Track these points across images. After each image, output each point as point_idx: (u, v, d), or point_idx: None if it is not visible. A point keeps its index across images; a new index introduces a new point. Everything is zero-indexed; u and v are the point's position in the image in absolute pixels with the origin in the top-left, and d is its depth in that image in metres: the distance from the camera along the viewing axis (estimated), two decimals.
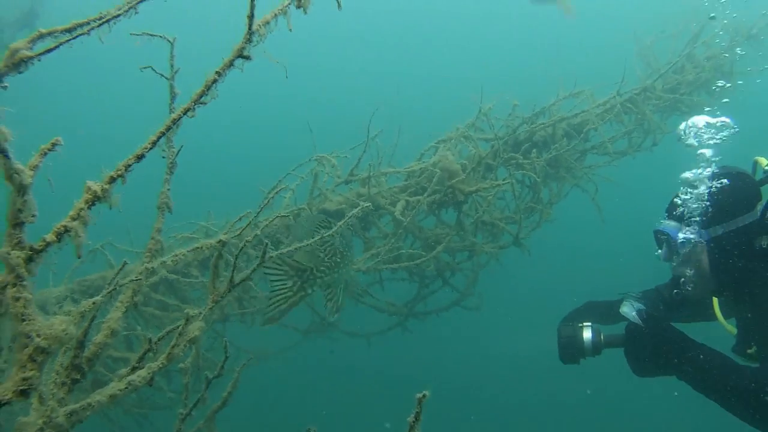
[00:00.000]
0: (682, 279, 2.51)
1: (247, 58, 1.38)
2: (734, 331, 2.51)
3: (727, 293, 2.48)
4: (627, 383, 3.05)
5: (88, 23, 1.25)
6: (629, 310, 2.45)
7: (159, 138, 1.34)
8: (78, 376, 1.54)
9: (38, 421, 1.33)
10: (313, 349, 5.34)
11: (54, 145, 1.18)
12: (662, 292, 2.60)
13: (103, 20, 1.27)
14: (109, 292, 1.51)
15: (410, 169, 4.59)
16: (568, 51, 19.30)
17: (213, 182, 15.93)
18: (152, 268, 1.70)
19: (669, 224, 2.57)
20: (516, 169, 4.94)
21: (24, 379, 1.19)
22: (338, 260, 2.50)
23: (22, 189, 1.15)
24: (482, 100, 4.82)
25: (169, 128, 1.38)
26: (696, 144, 2.80)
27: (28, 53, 1.17)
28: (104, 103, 22.82)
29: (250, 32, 1.36)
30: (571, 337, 2.55)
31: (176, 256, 1.65)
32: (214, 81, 1.37)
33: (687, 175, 2.60)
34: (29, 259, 1.20)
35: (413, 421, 1.07)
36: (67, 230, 1.23)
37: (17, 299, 1.18)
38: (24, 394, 1.19)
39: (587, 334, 2.53)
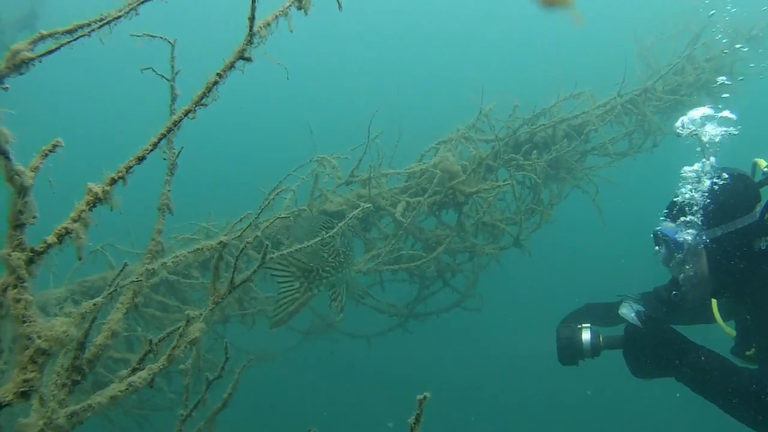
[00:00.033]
0: (681, 280, 2.51)
1: (248, 59, 1.38)
2: (733, 333, 2.51)
3: (727, 295, 2.48)
4: (627, 384, 3.05)
5: (88, 24, 1.25)
6: (628, 311, 2.44)
7: (160, 140, 1.35)
8: (79, 378, 1.54)
9: (39, 423, 1.33)
10: (314, 349, 5.34)
11: (55, 146, 1.18)
12: (661, 294, 2.60)
13: (104, 21, 1.27)
14: (109, 294, 1.51)
15: (411, 170, 4.58)
16: (568, 51, 19.28)
17: (213, 183, 15.92)
18: (153, 269, 1.70)
19: (668, 225, 2.57)
20: (516, 170, 4.93)
21: (25, 381, 1.19)
22: (342, 260, 2.50)
23: (23, 190, 1.15)
24: (483, 101, 4.80)
25: (170, 130, 1.38)
26: (696, 133, 2.76)
27: (30, 54, 1.17)
28: (105, 104, 22.82)
29: (251, 34, 1.36)
30: (569, 338, 2.55)
31: (177, 257, 1.65)
32: (215, 83, 1.37)
33: (687, 170, 2.59)
34: (30, 261, 1.20)
35: (414, 423, 1.07)
36: (68, 232, 1.23)
37: (18, 301, 1.18)
38: (25, 395, 1.19)
39: (586, 335, 2.53)
